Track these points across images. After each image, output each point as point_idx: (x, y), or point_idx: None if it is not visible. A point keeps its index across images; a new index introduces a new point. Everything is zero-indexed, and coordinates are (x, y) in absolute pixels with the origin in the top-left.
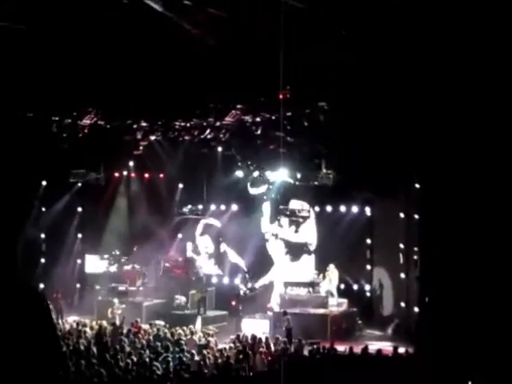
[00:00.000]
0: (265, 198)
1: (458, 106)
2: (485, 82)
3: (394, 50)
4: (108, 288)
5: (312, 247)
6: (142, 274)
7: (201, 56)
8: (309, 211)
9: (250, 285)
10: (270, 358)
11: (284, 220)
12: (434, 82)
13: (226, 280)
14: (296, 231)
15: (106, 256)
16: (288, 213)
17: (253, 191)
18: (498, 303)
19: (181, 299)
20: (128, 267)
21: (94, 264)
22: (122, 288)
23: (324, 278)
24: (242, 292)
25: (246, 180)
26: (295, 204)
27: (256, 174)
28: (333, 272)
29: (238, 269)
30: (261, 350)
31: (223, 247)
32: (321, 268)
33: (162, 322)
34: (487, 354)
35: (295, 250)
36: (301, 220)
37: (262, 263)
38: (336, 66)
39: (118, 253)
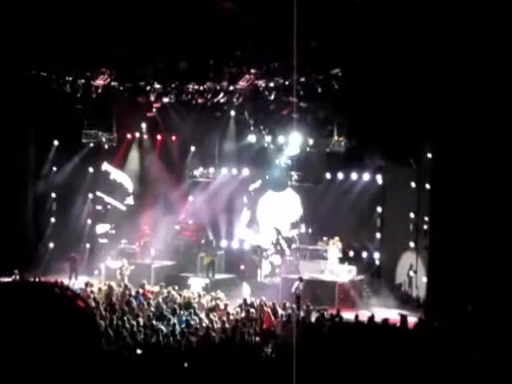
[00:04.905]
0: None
1: (471, 75)
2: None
3: (406, 17)
4: (117, 249)
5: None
6: (147, 234)
7: (216, 20)
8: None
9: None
10: (275, 323)
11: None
12: (448, 48)
13: (235, 244)
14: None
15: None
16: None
17: None
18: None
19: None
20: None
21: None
22: (130, 250)
23: (332, 244)
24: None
25: (258, 145)
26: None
27: (268, 139)
28: (336, 244)
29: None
30: (267, 315)
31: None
32: (329, 235)
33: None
34: (495, 329)
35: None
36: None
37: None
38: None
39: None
